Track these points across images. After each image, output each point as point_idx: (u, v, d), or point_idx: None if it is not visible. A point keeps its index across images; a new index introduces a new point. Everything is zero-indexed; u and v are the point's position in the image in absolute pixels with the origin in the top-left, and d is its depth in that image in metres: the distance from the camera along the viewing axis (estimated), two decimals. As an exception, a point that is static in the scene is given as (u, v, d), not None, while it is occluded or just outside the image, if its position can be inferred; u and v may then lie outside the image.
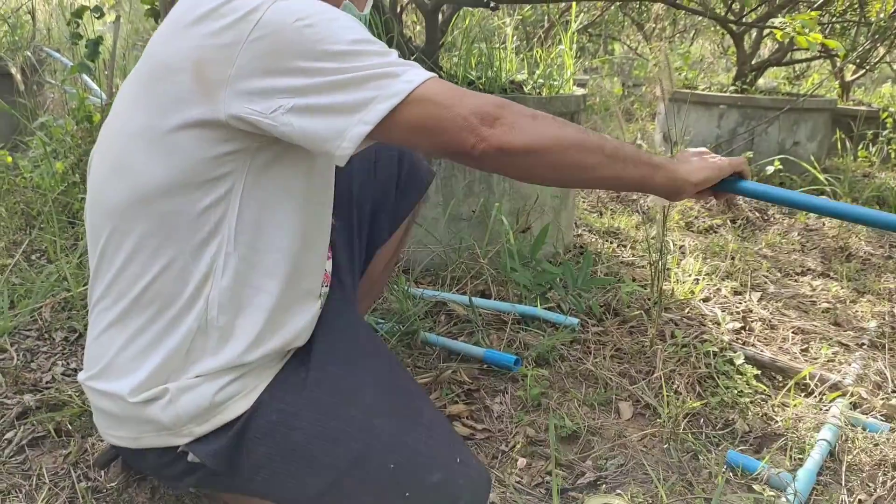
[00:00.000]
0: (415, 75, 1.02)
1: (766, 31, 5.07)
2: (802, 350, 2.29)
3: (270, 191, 1.11)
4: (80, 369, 1.84)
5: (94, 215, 1.17)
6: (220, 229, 1.09)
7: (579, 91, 2.87)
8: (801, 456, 1.72)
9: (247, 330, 1.14)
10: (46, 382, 1.80)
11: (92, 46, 2.72)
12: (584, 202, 3.92)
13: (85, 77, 3.56)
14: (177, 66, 1.04)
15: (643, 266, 2.91)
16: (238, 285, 1.12)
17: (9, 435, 1.59)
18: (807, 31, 2.21)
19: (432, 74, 1.04)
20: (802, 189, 4.15)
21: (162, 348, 1.12)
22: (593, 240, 3.24)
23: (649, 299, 2.47)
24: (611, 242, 3.24)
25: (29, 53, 4.05)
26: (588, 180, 1.20)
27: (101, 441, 1.59)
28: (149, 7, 2.84)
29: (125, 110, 1.14)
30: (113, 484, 1.47)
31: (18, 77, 3.68)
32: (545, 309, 2.31)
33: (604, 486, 1.59)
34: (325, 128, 1.01)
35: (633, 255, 3.07)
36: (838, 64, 6.14)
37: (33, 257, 2.52)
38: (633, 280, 2.67)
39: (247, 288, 1.13)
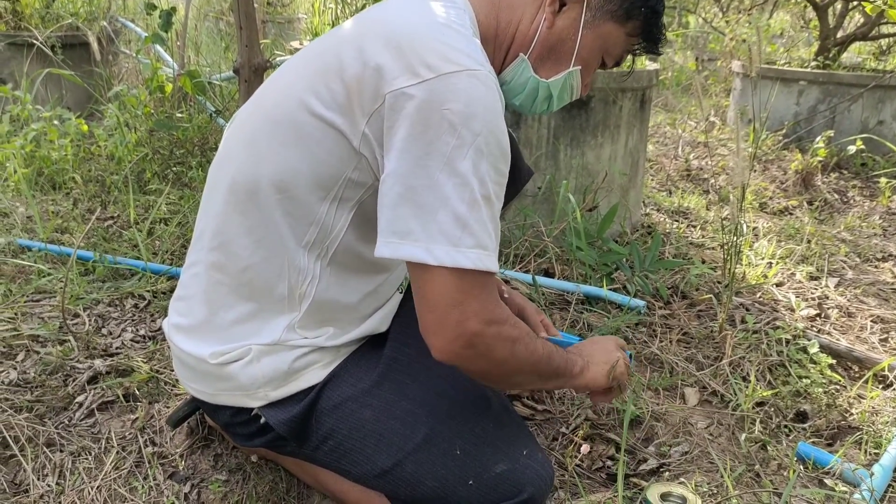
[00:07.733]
0: (474, 259, 0.98)
1: (853, 3, 4.84)
2: (881, 340, 2.19)
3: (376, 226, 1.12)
4: (150, 336, 1.90)
5: (218, 179, 1.19)
6: (322, 243, 1.12)
7: (651, 66, 2.78)
8: (876, 451, 1.64)
9: (329, 331, 1.19)
10: (116, 348, 1.84)
11: (165, 17, 2.76)
12: (652, 180, 3.83)
13: (158, 47, 3.62)
14: (344, 71, 1.03)
15: (713, 248, 2.82)
16: (326, 300, 1.16)
17: (80, 398, 1.63)
18: (900, 3, 2.08)
19: (490, 268, 1.00)
20: (885, 170, 3.97)
21: (249, 326, 1.16)
22: (662, 219, 3.15)
23: (719, 282, 2.39)
24: (680, 222, 3.15)
25: (105, 24, 4.14)
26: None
27: (168, 408, 1.62)
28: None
29: (284, 79, 1.15)
30: (178, 450, 1.50)
31: (95, 46, 3.78)
32: (610, 290, 2.26)
33: (667, 473, 1.55)
34: (380, 220, 1.01)
35: (704, 237, 2.98)
36: (929, 39, 5.82)
37: (107, 224, 2.58)
38: (703, 262, 2.59)
39: (333, 302, 1.17)
